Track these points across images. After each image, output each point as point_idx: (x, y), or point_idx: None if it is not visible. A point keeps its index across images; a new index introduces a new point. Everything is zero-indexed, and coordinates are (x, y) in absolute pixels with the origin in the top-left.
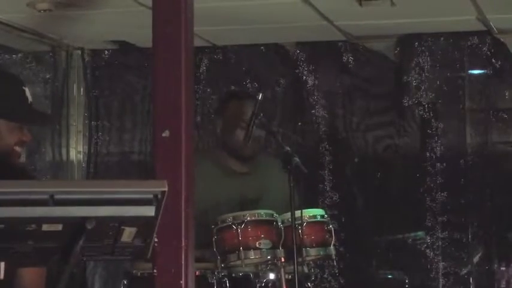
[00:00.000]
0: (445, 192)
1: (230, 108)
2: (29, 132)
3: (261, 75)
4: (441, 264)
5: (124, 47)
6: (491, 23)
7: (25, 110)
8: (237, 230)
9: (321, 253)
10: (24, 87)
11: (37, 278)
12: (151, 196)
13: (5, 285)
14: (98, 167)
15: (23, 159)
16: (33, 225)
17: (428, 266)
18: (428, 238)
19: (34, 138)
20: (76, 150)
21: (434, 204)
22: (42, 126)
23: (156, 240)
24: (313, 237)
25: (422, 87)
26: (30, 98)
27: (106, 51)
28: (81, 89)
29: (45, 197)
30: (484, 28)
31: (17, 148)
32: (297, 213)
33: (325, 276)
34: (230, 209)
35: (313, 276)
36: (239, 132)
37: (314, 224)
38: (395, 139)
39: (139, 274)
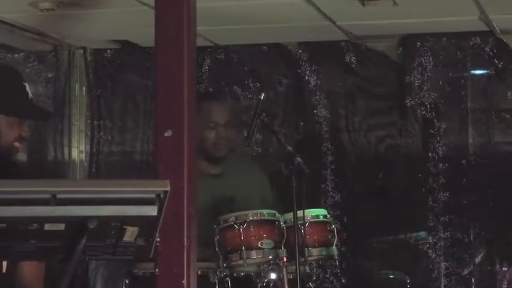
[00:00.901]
0: (447, 193)
1: (199, 109)
2: (28, 128)
3: (263, 75)
4: (443, 265)
5: (126, 47)
6: (493, 23)
7: (26, 106)
8: (239, 229)
9: (323, 253)
10: (24, 83)
11: (36, 271)
12: (153, 196)
13: (6, 278)
14: (100, 167)
15: (24, 157)
16: (36, 225)
17: (430, 266)
18: (430, 238)
19: (36, 137)
20: (78, 150)
21: (436, 205)
22: (42, 122)
23: (158, 239)
24: (315, 237)
25: (425, 87)
26: (30, 94)
27: (108, 51)
28: (83, 89)
29: (48, 196)
30: (486, 28)
31: (16, 144)
32: (300, 213)
33: (327, 276)
34: (204, 211)
35: (314, 276)
36: (207, 133)
37: (316, 224)
38: (398, 139)
39: (141, 274)
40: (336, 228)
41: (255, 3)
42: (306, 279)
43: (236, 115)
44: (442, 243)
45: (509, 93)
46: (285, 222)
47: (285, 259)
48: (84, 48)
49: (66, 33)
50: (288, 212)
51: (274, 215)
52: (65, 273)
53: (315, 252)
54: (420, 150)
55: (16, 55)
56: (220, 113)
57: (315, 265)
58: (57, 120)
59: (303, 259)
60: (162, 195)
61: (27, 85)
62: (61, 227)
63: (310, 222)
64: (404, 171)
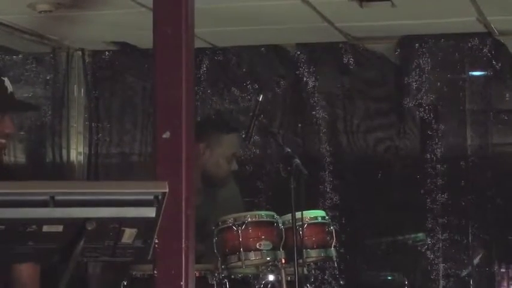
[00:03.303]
0: (446, 194)
1: (220, 139)
2: (11, 123)
3: (262, 77)
4: (441, 266)
5: (124, 48)
6: (491, 25)
7: (5, 99)
8: (237, 231)
9: (322, 254)
10: (3, 78)
11: (32, 273)
12: (151, 197)
13: (2, 279)
14: (98, 168)
15: (22, 159)
16: (34, 226)
17: (429, 268)
18: (429, 240)
19: (35, 138)
20: (76, 151)
21: (434, 206)
22: (23, 112)
23: (156, 241)
24: (314, 238)
25: (423, 89)
26: (10, 88)
27: (106, 52)
28: (82, 90)
29: (46, 198)
30: (484, 29)
31: (1, 140)
32: (298, 214)
33: (326, 277)
34: None
35: (312, 277)
36: (225, 163)
37: (315, 225)
38: (396, 141)
39: (139, 275)
40: (335, 229)
41: (253, 5)
42: (303, 281)
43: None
44: (440, 244)
45: (507, 95)
46: (283, 224)
47: (283, 260)
48: (83, 50)
49: (65, 35)
50: (287, 213)
51: (273, 216)
52: (63, 275)
53: (314, 253)
54: (418, 151)
55: (14, 57)
56: (238, 145)
57: (313, 266)
58: (56, 122)
59: (301, 260)
60: (160, 197)
61: (6, 80)
62: (59, 228)
63: (309, 224)
64: (403, 172)
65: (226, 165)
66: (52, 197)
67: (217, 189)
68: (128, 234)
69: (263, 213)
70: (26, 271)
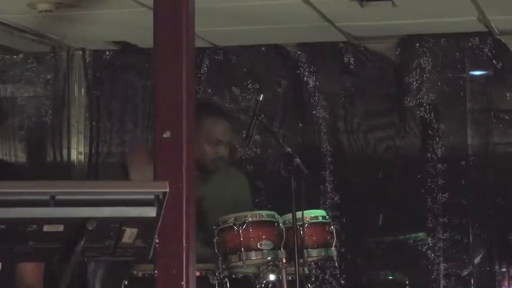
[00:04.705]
0: (446, 194)
1: (202, 123)
2: None
3: (262, 76)
4: (442, 266)
5: (125, 48)
6: (492, 24)
7: None
8: (238, 230)
9: (323, 254)
10: None
11: (36, 273)
12: (152, 197)
13: (4, 278)
14: (98, 168)
15: (23, 159)
16: (34, 226)
17: (430, 267)
18: (430, 239)
19: (35, 138)
20: (77, 151)
21: (435, 206)
22: None
23: (157, 241)
24: (314, 238)
25: (423, 88)
26: None
27: (107, 52)
28: (82, 90)
29: (46, 197)
30: (485, 29)
31: None
32: (299, 214)
33: (326, 277)
34: None
35: (312, 277)
36: (208, 148)
37: (315, 225)
38: (396, 140)
39: (140, 275)
40: (335, 229)
41: (253, 4)
42: (305, 281)
43: (235, 135)
44: (441, 244)
45: (508, 94)
46: (284, 223)
47: (284, 260)
48: (83, 50)
49: (65, 34)
50: (287, 213)
51: (274, 216)
52: (64, 275)
53: (314, 253)
54: (419, 151)
55: (15, 56)
56: (224, 131)
57: (314, 266)
58: (56, 121)
59: (302, 260)
60: (161, 197)
61: None
62: (60, 228)
63: (309, 224)
64: (403, 172)
65: (211, 150)
66: (53, 197)
67: (208, 175)
68: (129, 234)
69: (264, 212)
70: (30, 271)
